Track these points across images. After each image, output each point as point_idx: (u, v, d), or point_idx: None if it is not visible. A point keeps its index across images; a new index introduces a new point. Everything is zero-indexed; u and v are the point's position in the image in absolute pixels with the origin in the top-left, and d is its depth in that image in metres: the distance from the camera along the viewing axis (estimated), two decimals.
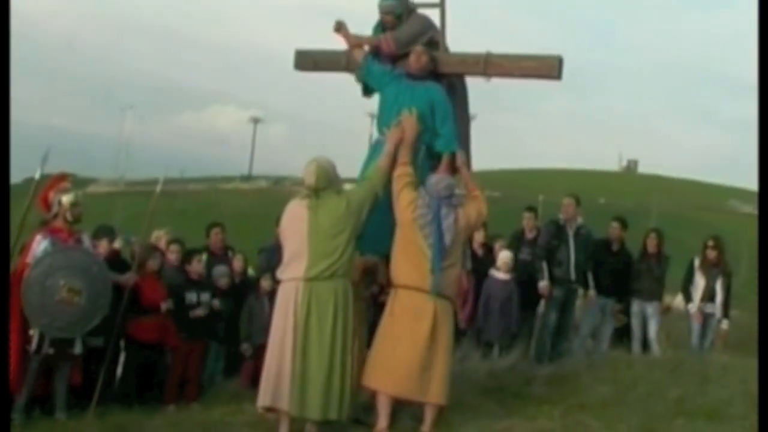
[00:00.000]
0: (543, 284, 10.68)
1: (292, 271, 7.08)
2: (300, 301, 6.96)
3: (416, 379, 7.02)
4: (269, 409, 7.13)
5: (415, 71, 7.77)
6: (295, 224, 7.15)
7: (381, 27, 8.22)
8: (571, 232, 10.76)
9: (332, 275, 7.01)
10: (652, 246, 11.67)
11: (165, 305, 9.25)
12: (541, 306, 11.15)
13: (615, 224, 11.67)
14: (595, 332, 11.60)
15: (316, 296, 6.97)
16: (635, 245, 12.13)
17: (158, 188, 9.52)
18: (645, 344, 11.52)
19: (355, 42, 8.13)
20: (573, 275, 10.70)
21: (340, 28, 8.18)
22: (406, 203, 7.18)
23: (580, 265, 10.76)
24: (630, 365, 9.07)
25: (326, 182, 7.17)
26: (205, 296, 9.72)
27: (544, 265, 10.69)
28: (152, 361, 9.30)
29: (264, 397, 7.06)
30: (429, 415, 7.12)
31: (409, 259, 7.14)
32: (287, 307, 7.02)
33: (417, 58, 7.78)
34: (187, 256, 10.03)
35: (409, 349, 7.03)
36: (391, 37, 7.99)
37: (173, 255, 10.23)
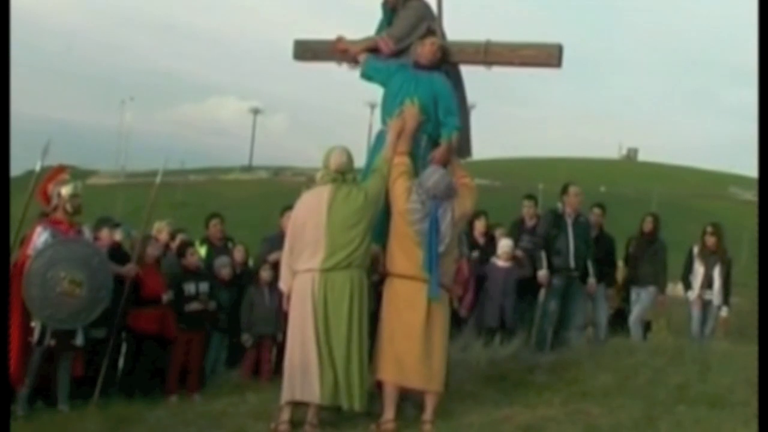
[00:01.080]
0: (542, 273, 10.64)
1: (308, 262, 7.05)
2: (317, 292, 6.96)
3: (417, 368, 7.04)
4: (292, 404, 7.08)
5: (425, 62, 7.74)
6: (312, 215, 7.12)
7: (385, 7, 8.17)
8: (570, 221, 10.71)
9: (348, 265, 7.01)
10: (647, 228, 11.72)
11: (166, 297, 9.25)
12: (542, 294, 11.14)
13: (597, 210, 11.68)
14: (593, 320, 11.61)
15: (333, 286, 6.96)
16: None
17: (158, 179, 9.51)
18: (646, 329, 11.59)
19: (356, 50, 8.12)
20: (572, 264, 10.67)
21: (338, 43, 8.19)
22: (399, 193, 7.19)
23: (579, 254, 10.73)
24: (631, 353, 9.06)
25: (351, 165, 7.23)
26: (204, 286, 9.71)
27: (543, 254, 10.66)
28: (154, 352, 9.30)
29: (291, 392, 6.99)
30: (430, 404, 7.13)
31: (402, 248, 7.15)
32: (304, 300, 7.00)
33: (432, 52, 7.72)
34: (182, 249, 10.01)
35: (405, 337, 7.05)
36: (388, 37, 7.97)
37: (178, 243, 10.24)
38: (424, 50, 7.74)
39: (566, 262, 10.62)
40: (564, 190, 10.96)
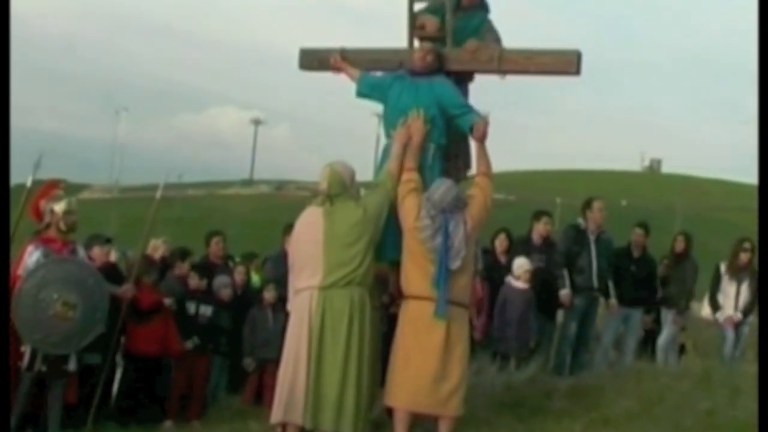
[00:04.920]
0: (565, 293, 10.55)
1: (307, 280, 7.10)
2: (314, 310, 6.98)
3: (430, 393, 7.01)
4: (281, 425, 7.12)
5: (419, 69, 7.77)
6: (310, 231, 7.19)
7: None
8: (592, 238, 10.65)
9: (348, 283, 7.04)
10: (678, 248, 11.69)
11: (168, 301, 9.27)
12: (560, 315, 11.09)
13: (639, 230, 11.57)
14: (619, 343, 11.56)
15: (331, 304, 6.98)
16: (659, 249, 12.10)
17: (158, 194, 9.47)
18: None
19: (352, 73, 8.08)
20: (595, 283, 10.62)
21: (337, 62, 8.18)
22: (408, 210, 7.20)
23: (602, 273, 10.67)
24: (656, 376, 9.03)
25: (340, 188, 7.20)
26: (206, 309, 9.73)
27: (565, 272, 10.57)
28: (151, 376, 9.29)
29: (277, 413, 7.04)
30: (444, 428, 7.11)
31: (416, 268, 7.15)
32: (302, 318, 7.03)
33: (422, 57, 7.74)
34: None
35: (421, 361, 7.02)
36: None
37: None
38: (417, 57, 7.78)
39: (589, 281, 10.55)
40: (587, 205, 10.91)
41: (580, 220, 10.84)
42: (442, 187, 7.22)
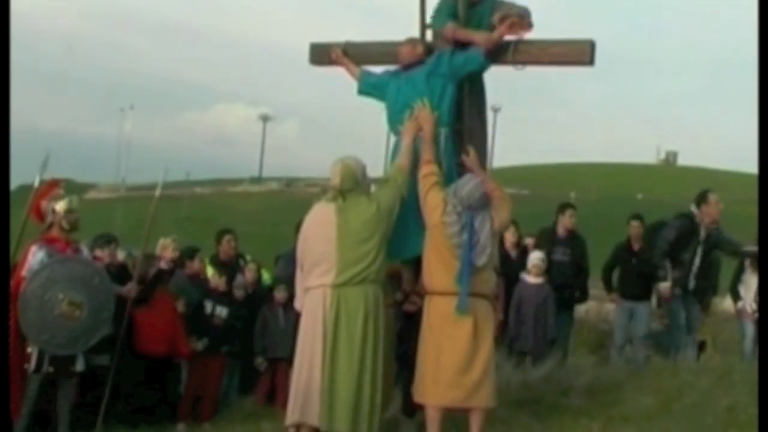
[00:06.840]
0: (665, 285, 10.36)
1: (318, 278, 7.06)
2: (328, 308, 6.95)
3: (456, 385, 7.01)
4: (295, 426, 7.10)
5: (408, 62, 7.78)
6: (322, 228, 7.14)
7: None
8: (703, 234, 10.33)
9: (362, 281, 7.01)
10: None
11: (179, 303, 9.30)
12: (579, 310, 11.00)
13: (635, 223, 11.49)
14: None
15: (345, 302, 6.95)
16: None
17: (157, 192, 9.47)
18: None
19: (353, 70, 8.17)
20: (692, 284, 10.38)
21: (339, 57, 8.23)
22: (434, 205, 7.17)
23: (702, 273, 10.41)
24: (675, 373, 8.99)
25: (352, 183, 7.17)
26: (221, 310, 9.74)
27: (668, 263, 10.30)
28: (160, 377, 9.29)
29: (293, 414, 7.01)
30: (476, 422, 7.09)
31: (442, 263, 7.13)
32: (315, 316, 7.00)
33: (410, 50, 7.80)
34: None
35: (451, 355, 7.02)
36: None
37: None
38: (404, 51, 7.82)
39: (686, 279, 10.36)
40: (702, 198, 10.51)
41: (695, 210, 10.48)
42: (469, 184, 7.22)
